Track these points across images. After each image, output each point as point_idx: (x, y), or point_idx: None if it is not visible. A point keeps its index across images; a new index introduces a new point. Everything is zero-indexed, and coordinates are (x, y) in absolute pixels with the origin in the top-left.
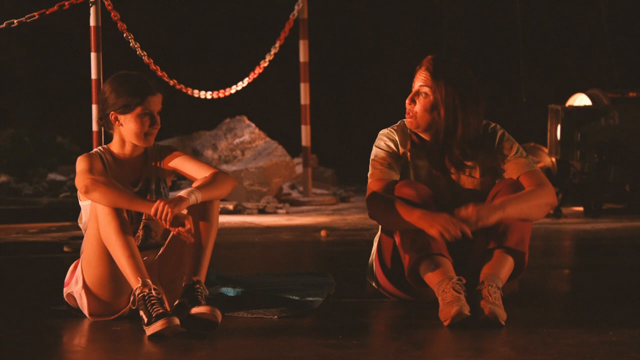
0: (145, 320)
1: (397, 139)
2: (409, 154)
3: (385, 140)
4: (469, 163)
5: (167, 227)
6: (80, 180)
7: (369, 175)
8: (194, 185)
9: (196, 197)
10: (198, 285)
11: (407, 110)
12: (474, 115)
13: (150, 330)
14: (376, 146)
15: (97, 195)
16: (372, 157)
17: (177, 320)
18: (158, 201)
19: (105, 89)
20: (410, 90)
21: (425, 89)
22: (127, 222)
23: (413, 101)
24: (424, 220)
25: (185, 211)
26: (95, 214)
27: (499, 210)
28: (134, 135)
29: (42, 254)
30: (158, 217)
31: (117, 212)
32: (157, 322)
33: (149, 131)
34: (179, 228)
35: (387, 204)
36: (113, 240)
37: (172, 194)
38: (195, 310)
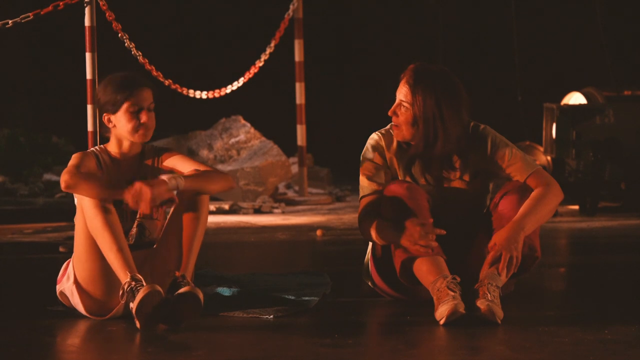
0: (131, 304)
1: (383, 144)
2: (395, 159)
3: (371, 151)
4: (452, 174)
5: (147, 210)
6: (62, 176)
7: (359, 187)
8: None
9: (177, 183)
10: (180, 280)
11: (392, 121)
12: (456, 124)
13: (135, 303)
14: (363, 157)
15: (78, 189)
16: (360, 169)
17: (157, 287)
18: (136, 182)
19: (96, 93)
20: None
21: (405, 104)
22: (114, 214)
23: (395, 114)
24: (396, 239)
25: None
26: (81, 208)
27: (521, 232)
28: (127, 132)
29: (37, 255)
30: (134, 196)
31: (103, 205)
32: (138, 293)
33: (143, 125)
34: (161, 208)
35: (366, 230)
36: (100, 233)
37: None
38: (177, 292)
